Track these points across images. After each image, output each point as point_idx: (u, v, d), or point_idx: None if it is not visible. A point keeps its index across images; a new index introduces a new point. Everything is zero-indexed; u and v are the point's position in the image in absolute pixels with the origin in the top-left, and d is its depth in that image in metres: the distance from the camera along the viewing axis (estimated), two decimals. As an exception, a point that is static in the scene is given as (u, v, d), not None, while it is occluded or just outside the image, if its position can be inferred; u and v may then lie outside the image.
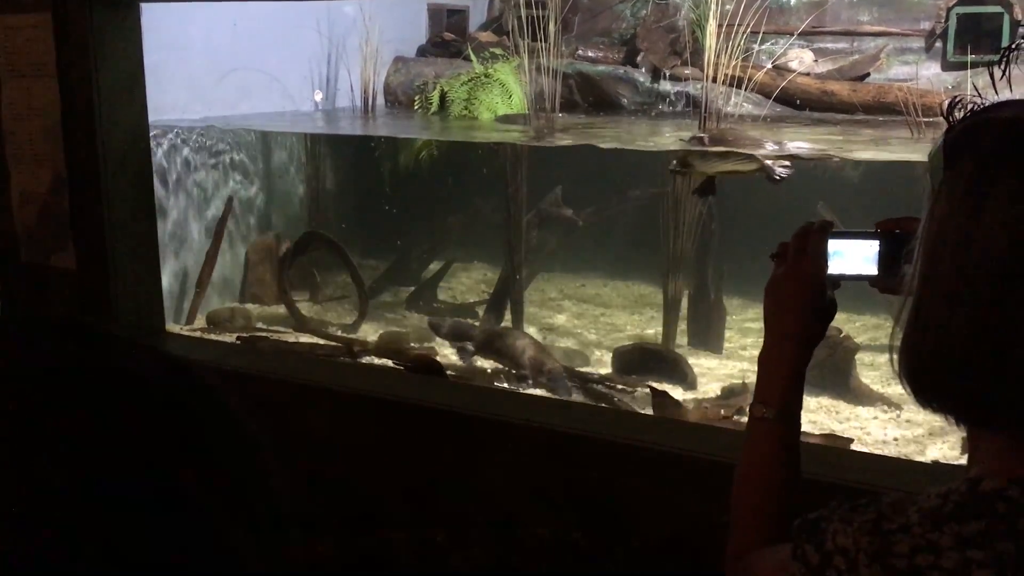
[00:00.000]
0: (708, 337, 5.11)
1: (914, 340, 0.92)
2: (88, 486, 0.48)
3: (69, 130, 2.69)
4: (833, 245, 1.20)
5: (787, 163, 4.27)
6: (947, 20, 5.43)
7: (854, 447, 3.49)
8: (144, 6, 2.85)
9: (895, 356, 0.94)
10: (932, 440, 3.80)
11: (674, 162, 4.43)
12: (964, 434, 0.95)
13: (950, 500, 0.86)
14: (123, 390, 0.53)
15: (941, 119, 0.95)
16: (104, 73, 2.67)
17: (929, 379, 0.91)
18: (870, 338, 4.93)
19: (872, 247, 1.20)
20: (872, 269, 1.21)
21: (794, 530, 0.95)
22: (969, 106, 0.93)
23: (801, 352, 1.20)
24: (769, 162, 4.24)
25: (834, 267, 1.20)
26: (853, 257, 1.21)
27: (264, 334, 4.91)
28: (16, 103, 2.74)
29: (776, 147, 4.49)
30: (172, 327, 4.61)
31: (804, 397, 1.21)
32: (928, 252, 0.91)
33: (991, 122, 0.90)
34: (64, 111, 2.68)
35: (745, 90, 5.22)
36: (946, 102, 0.95)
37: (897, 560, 0.84)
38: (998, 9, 5.25)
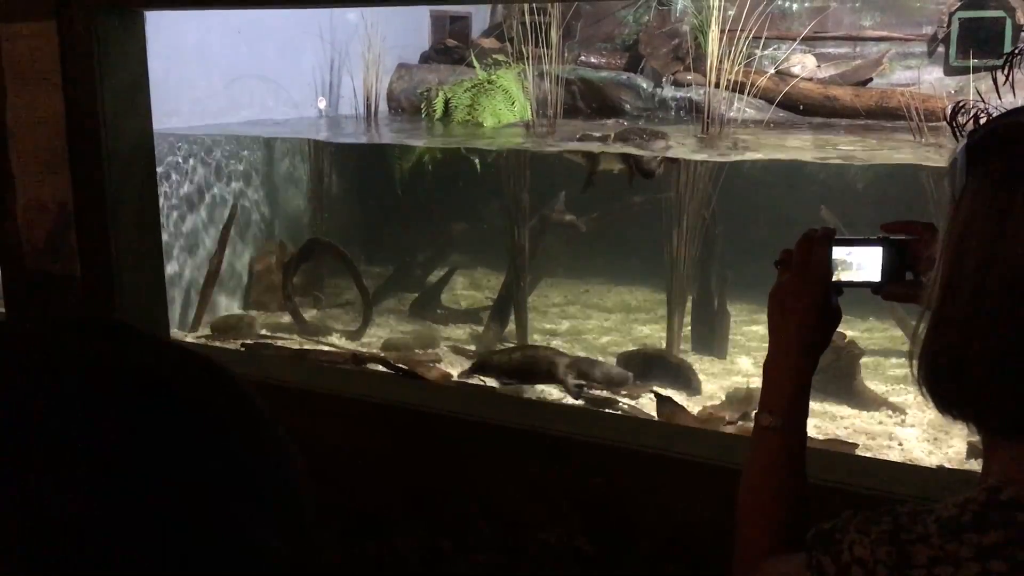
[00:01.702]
0: (712, 342, 5.10)
1: (934, 347, 0.91)
2: (119, 485, 0.47)
3: (74, 138, 2.70)
4: (836, 252, 1.20)
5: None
6: (949, 24, 5.43)
7: (858, 452, 3.48)
8: (148, 13, 2.86)
9: (914, 362, 0.92)
10: (937, 444, 3.79)
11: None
12: (971, 438, 0.95)
13: (968, 510, 0.84)
14: (162, 388, 0.52)
15: (939, 122, 0.94)
16: (109, 81, 2.68)
17: (949, 386, 0.90)
18: (874, 343, 4.92)
19: (875, 254, 1.20)
20: (876, 276, 1.21)
21: (808, 541, 0.94)
22: (973, 110, 0.92)
23: (806, 360, 1.19)
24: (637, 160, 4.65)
25: (837, 274, 1.20)
26: (856, 264, 1.21)
27: (268, 341, 4.92)
28: (21, 112, 2.75)
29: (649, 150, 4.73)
30: (177, 334, 4.62)
31: (809, 403, 1.21)
32: (951, 256, 0.89)
33: (1018, 126, 0.89)
34: (68, 119, 2.69)
35: (748, 95, 5.22)
36: (949, 107, 0.94)
37: (916, 571, 0.83)
38: (1000, 13, 5.25)
